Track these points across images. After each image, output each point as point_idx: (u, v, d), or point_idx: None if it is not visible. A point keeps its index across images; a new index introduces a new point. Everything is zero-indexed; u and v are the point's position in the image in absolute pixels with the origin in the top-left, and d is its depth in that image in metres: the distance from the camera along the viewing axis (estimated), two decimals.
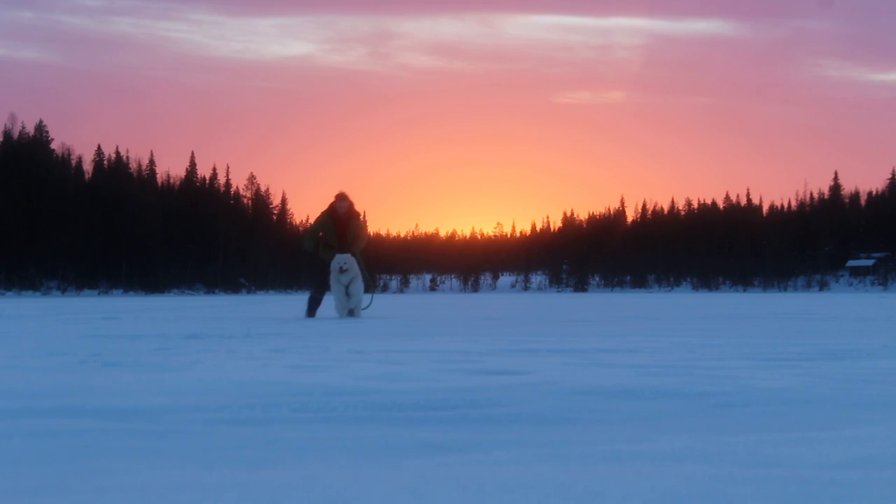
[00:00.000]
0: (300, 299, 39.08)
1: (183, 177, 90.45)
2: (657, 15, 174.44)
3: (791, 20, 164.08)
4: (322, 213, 14.57)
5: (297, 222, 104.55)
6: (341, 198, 14.64)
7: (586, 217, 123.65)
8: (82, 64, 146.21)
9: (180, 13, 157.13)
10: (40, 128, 78.98)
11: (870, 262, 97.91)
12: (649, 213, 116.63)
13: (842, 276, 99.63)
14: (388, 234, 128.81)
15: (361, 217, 14.93)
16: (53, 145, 79.79)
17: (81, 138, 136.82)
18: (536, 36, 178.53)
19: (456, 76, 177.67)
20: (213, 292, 78.03)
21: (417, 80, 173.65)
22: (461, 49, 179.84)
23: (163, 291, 74.92)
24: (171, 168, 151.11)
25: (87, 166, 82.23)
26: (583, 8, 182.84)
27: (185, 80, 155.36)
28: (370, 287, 14.44)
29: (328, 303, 14.19)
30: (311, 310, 14.37)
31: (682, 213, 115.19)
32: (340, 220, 14.47)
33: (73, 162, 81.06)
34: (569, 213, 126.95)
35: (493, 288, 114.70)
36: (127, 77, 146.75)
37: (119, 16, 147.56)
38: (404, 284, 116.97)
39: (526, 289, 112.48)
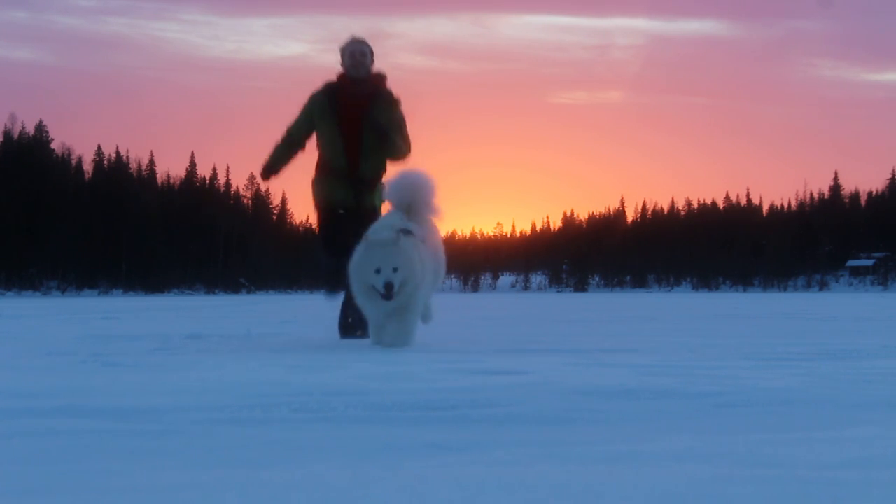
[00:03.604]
0: (300, 300, 38.99)
1: (183, 177, 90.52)
2: (652, 15, 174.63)
3: (784, 20, 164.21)
4: (313, 93, 7.21)
5: (297, 222, 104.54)
6: (358, 45, 7.16)
7: (586, 217, 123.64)
8: (78, 64, 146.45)
9: (173, 13, 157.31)
10: (40, 128, 78.98)
11: (870, 262, 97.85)
12: (649, 213, 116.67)
13: (842, 276, 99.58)
14: None
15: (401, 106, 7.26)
16: (53, 145, 79.87)
17: (81, 138, 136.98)
18: (530, 36, 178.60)
19: (450, 76, 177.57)
20: (213, 292, 77.97)
21: (412, 80, 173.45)
22: (455, 49, 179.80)
23: (163, 291, 74.87)
24: (171, 168, 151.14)
25: (87, 166, 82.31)
26: (577, 8, 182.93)
27: (182, 80, 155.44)
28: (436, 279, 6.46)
29: None
30: (347, 327, 7.20)
31: (682, 213, 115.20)
32: (354, 102, 7.04)
33: (73, 162, 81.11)
34: (569, 213, 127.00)
35: (493, 288, 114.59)
36: (124, 77, 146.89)
37: (112, 16, 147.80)
38: None
39: (526, 289, 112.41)
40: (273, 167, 7.48)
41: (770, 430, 2.67)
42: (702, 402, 3.26)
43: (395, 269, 5.82)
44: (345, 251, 6.46)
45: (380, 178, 7.26)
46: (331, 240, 7.26)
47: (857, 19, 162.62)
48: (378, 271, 5.83)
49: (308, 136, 7.35)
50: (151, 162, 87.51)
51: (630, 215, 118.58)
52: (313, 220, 7.94)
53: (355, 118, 7.09)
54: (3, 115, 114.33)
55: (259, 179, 7.74)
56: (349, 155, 7.12)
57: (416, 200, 6.32)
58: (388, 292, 5.81)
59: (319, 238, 7.52)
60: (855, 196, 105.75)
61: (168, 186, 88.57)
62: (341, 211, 7.26)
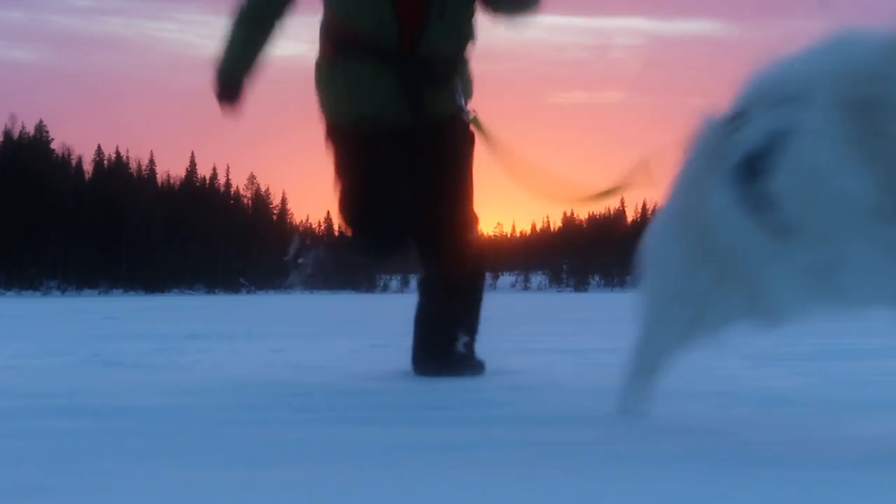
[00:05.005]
0: (300, 300, 38.96)
1: (183, 177, 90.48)
2: (651, 15, 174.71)
3: (784, 20, 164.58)
4: None
5: (297, 222, 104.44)
6: None
7: (586, 217, 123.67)
8: (77, 64, 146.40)
9: (170, 13, 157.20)
10: (40, 128, 79.01)
11: None
12: (649, 213, 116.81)
13: None
14: None
15: None
16: (53, 145, 79.91)
17: (81, 138, 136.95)
18: (528, 35, 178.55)
19: None
20: (213, 292, 77.95)
21: None
22: None
23: (163, 291, 74.84)
24: (171, 168, 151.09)
25: (87, 166, 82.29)
26: (575, 8, 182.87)
27: (181, 80, 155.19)
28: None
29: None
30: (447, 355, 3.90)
31: None
32: None
33: (73, 162, 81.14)
34: (568, 214, 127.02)
35: (493, 288, 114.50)
36: (123, 77, 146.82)
37: (109, 16, 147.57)
38: (404, 284, 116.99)
39: (526, 289, 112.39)
40: (235, 72, 3.96)
41: (770, 430, 2.67)
42: (702, 402, 3.26)
43: None
44: (402, 227, 3.82)
45: (461, 59, 3.85)
46: (372, 202, 3.82)
47: (856, 19, 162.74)
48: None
49: None
50: (151, 162, 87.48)
51: (630, 215, 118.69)
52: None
53: None
54: (2, 115, 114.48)
55: (220, 106, 4.04)
56: (405, 14, 3.65)
57: None
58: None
59: (344, 199, 3.92)
60: None
61: (168, 186, 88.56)
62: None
